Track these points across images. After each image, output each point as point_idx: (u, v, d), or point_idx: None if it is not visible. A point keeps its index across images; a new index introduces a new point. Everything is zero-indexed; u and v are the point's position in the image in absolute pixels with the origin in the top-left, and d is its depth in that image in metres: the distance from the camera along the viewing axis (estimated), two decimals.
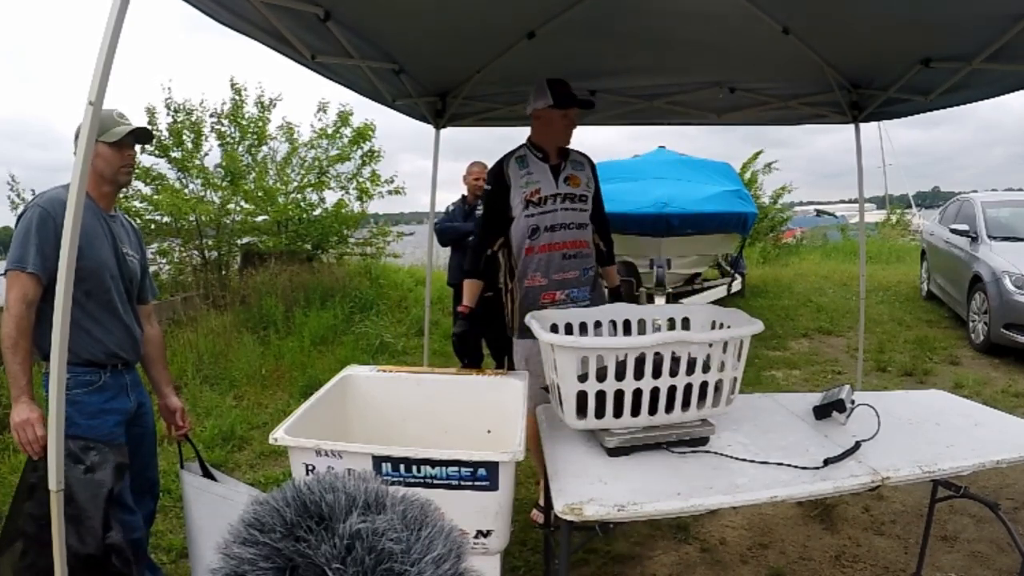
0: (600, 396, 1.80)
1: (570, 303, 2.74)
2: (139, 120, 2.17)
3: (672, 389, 1.83)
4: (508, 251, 2.82)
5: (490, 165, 4.74)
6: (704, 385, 1.87)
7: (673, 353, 1.81)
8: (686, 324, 2.28)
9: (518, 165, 2.77)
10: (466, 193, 4.81)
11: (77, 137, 2.04)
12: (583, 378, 1.81)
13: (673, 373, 1.81)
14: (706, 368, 1.85)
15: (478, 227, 2.96)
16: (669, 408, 1.84)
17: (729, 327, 2.05)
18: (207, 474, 2.27)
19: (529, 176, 2.74)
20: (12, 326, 1.84)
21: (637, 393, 1.81)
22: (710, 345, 1.84)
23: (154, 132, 7.75)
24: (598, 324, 2.30)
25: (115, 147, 2.07)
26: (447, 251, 4.98)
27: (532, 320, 2.09)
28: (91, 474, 1.89)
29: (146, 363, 2.30)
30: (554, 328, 2.17)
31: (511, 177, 2.75)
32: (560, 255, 2.75)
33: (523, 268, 2.78)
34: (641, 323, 2.33)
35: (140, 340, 2.19)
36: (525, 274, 2.77)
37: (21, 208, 1.98)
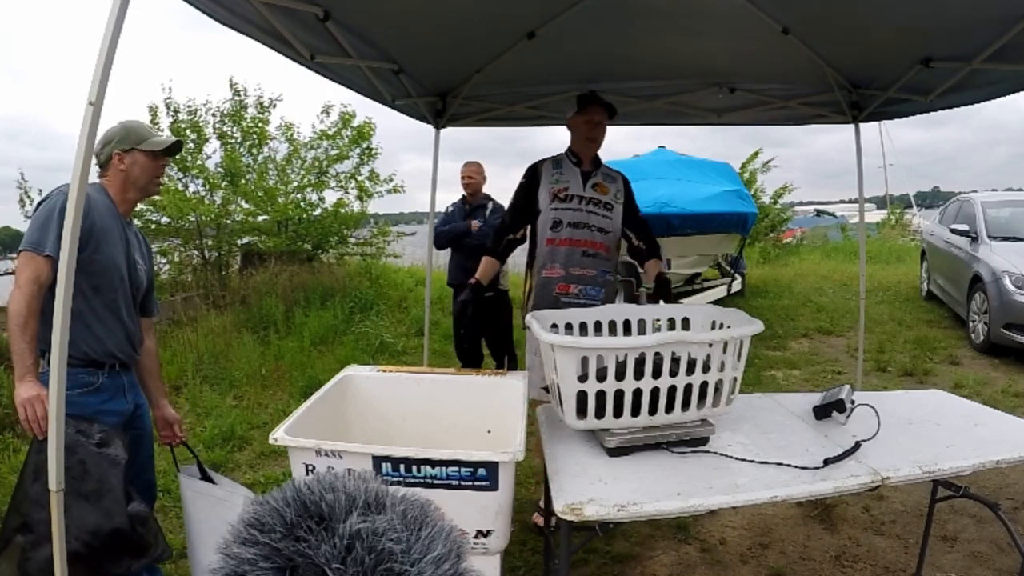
0: (600, 396, 1.80)
1: (583, 299, 2.84)
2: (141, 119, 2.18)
3: (672, 389, 1.83)
4: (532, 243, 2.97)
5: (485, 165, 4.80)
6: (704, 385, 1.87)
7: (673, 353, 1.81)
8: (686, 324, 2.28)
9: (552, 165, 2.96)
10: (465, 194, 4.81)
11: (107, 143, 2.05)
12: (583, 378, 1.81)
13: (673, 373, 1.81)
14: (706, 368, 1.85)
15: (504, 214, 3.10)
16: (669, 408, 1.84)
17: (729, 327, 2.05)
18: (205, 476, 2.27)
19: (560, 175, 2.92)
20: (23, 304, 1.82)
21: (637, 393, 1.81)
22: (710, 345, 1.84)
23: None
24: (598, 324, 2.31)
25: (151, 156, 2.09)
26: (447, 251, 4.99)
27: (532, 320, 2.09)
28: (104, 448, 1.86)
29: (142, 376, 2.28)
30: (554, 328, 2.17)
31: (543, 174, 2.94)
32: (580, 252, 2.87)
33: (542, 258, 2.90)
34: (641, 323, 2.33)
35: (139, 346, 2.18)
36: (544, 264, 2.89)
37: (42, 195, 1.96)
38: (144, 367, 2.27)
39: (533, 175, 2.96)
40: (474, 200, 4.76)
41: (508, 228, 2.98)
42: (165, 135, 2.17)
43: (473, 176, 4.76)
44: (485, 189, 4.84)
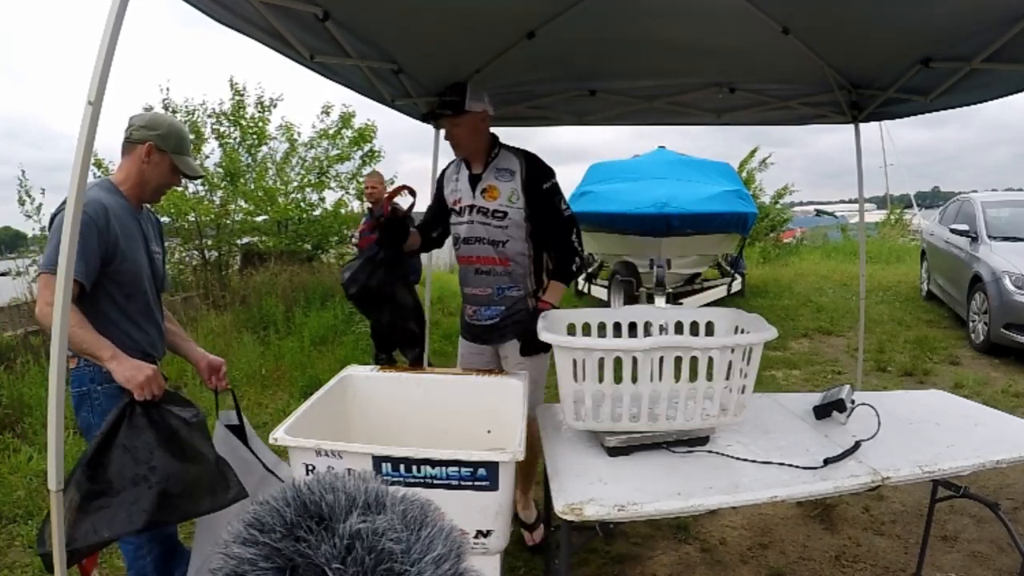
0: (599, 397, 1.80)
1: (480, 320, 2.68)
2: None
3: (675, 394, 1.82)
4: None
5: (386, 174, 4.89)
6: (709, 392, 1.85)
7: (677, 358, 1.80)
8: (710, 328, 2.26)
9: (454, 169, 2.73)
10: (370, 204, 5.27)
11: (151, 129, 2.04)
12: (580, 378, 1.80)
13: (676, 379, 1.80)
14: (710, 375, 1.82)
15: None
16: (672, 413, 1.84)
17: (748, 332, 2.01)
18: (242, 433, 2.23)
19: (455, 183, 2.69)
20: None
21: (638, 396, 1.80)
22: (713, 351, 1.82)
23: None
24: (617, 326, 2.29)
25: (173, 170, 2.07)
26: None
27: (541, 318, 2.09)
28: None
29: (174, 343, 2.28)
30: (571, 328, 2.16)
31: (446, 180, 2.76)
32: (472, 269, 2.65)
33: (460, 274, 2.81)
34: (663, 327, 2.29)
35: (164, 335, 2.20)
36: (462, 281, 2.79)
37: (57, 206, 1.95)
38: (173, 336, 2.27)
39: (440, 181, 2.80)
40: (378, 209, 4.98)
41: (428, 226, 2.81)
42: (197, 163, 2.22)
43: (376, 187, 5.17)
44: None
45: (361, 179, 9.48)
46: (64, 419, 1.64)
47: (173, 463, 1.82)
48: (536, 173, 2.56)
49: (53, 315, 1.59)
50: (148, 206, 2.22)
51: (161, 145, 2.02)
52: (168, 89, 8.46)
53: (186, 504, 1.82)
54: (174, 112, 8.44)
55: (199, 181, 8.44)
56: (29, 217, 7.17)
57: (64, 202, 1.93)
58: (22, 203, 7.18)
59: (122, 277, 1.95)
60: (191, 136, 8.53)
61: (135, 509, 1.74)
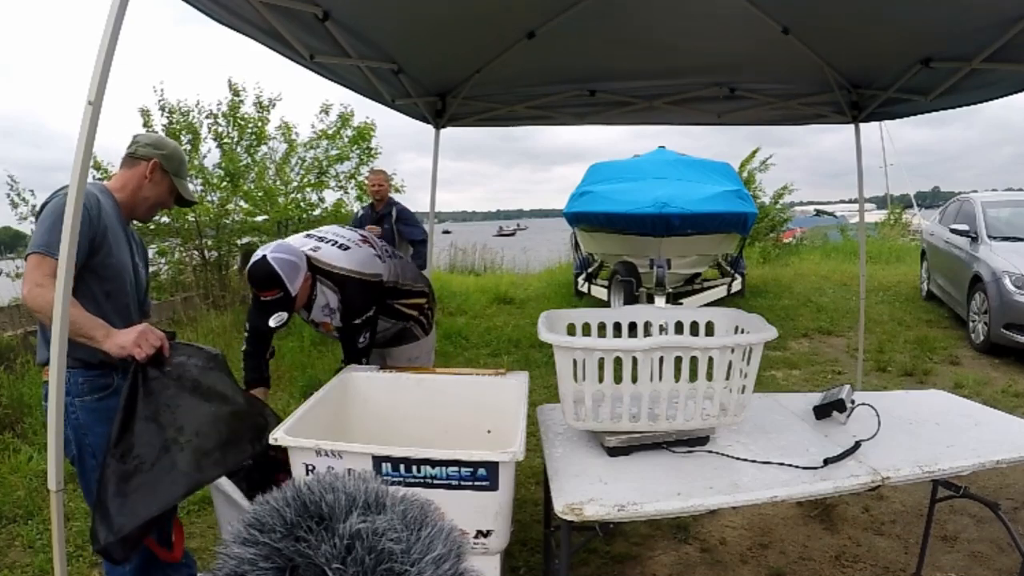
0: (599, 397, 1.80)
1: None
2: (135, 124, 2.20)
3: (675, 394, 1.82)
4: None
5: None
6: (709, 392, 1.85)
7: (677, 358, 1.80)
8: (710, 329, 2.26)
9: None
10: (374, 200, 5.48)
11: (157, 148, 2.09)
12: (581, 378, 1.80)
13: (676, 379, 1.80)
14: (710, 375, 1.82)
15: None
16: (672, 413, 1.83)
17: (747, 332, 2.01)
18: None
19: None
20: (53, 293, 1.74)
21: (638, 396, 1.80)
22: (712, 351, 1.82)
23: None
24: (618, 326, 2.29)
25: (170, 191, 2.12)
26: (446, 251, 5.04)
27: (542, 318, 2.09)
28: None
29: None
30: (571, 328, 2.15)
31: None
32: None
33: None
34: (663, 327, 2.29)
35: None
36: None
37: (35, 195, 1.96)
38: None
39: None
40: (381, 206, 5.42)
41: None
42: (193, 189, 2.25)
43: (382, 184, 5.51)
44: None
45: (360, 178, 9.48)
46: (64, 419, 1.64)
47: (199, 415, 1.79)
48: (350, 313, 2.57)
49: (53, 311, 1.59)
50: (136, 224, 2.24)
51: (165, 165, 2.07)
52: (163, 91, 8.44)
53: (227, 453, 1.80)
54: (171, 112, 8.43)
55: (199, 182, 8.44)
56: (24, 219, 7.17)
57: (57, 190, 1.92)
58: (15, 206, 7.16)
59: (106, 272, 1.93)
60: (189, 136, 8.49)
61: (176, 474, 1.71)
